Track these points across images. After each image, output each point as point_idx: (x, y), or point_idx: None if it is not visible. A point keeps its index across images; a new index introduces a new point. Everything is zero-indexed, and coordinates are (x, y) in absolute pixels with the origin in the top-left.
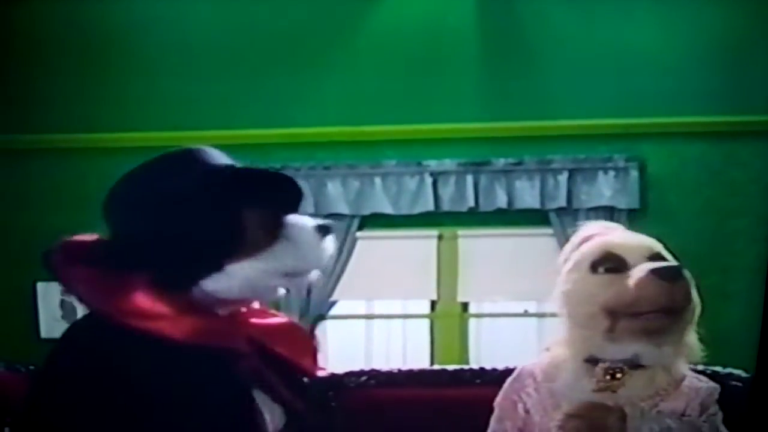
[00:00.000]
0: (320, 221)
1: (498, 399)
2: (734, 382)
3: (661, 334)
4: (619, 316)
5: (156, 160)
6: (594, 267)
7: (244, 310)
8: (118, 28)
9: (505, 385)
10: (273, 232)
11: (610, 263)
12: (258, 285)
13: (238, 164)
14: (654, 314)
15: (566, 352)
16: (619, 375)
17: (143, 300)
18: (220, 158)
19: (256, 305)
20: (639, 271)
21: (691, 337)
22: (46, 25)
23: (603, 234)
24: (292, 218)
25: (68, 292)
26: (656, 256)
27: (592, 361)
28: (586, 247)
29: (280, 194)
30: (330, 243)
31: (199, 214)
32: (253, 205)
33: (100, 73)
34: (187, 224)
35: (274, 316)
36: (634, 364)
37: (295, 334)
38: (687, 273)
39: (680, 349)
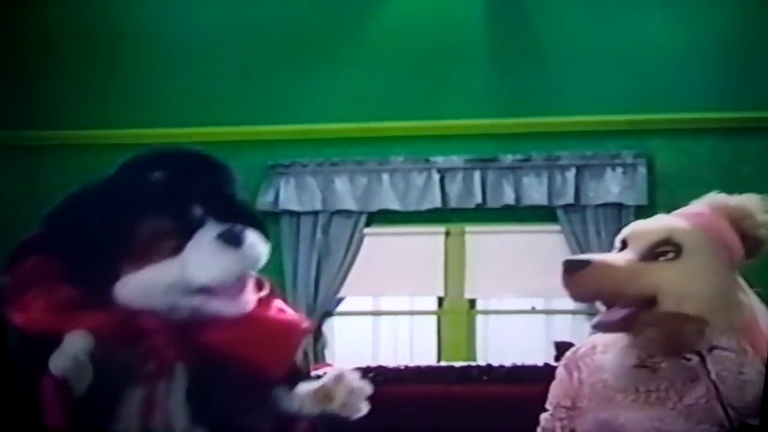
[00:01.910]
0: (227, 229)
1: (560, 363)
2: None
3: (639, 332)
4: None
5: (123, 163)
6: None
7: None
8: (127, 27)
9: (569, 351)
10: (177, 243)
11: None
12: (153, 297)
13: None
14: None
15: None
16: (659, 359)
17: (43, 293)
18: (169, 162)
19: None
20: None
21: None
22: (55, 24)
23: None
24: (204, 229)
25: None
26: (663, 242)
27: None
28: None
29: (188, 206)
30: (243, 252)
31: (107, 214)
32: (148, 214)
33: (109, 71)
34: (95, 223)
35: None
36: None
37: (261, 333)
38: (599, 263)
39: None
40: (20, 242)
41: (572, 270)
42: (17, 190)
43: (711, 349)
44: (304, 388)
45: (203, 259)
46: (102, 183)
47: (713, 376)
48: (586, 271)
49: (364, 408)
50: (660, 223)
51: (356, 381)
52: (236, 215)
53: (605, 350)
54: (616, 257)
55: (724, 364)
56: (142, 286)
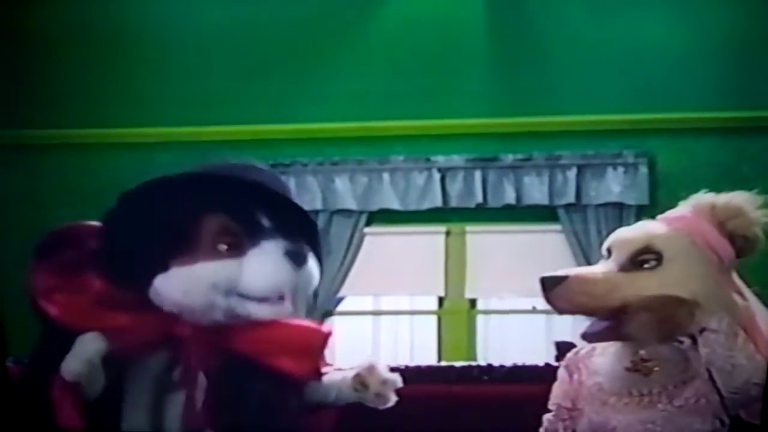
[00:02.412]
0: (296, 248)
1: (561, 364)
2: None
3: (632, 316)
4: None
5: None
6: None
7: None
8: (129, 26)
9: (570, 353)
10: (233, 244)
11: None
12: (195, 293)
13: (249, 179)
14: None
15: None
16: (651, 363)
17: (82, 289)
18: (243, 173)
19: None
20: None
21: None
22: (56, 23)
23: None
24: (270, 240)
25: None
26: (643, 251)
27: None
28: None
29: (257, 213)
30: (303, 273)
31: (158, 212)
32: (221, 213)
33: (110, 70)
34: (145, 220)
35: (267, 322)
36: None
37: (292, 338)
38: (575, 278)
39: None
40: (59, 232)
41: (549, 286)
42: (18, 189)
43: (701, 331)
44: (338, 375)
45: (265, 269)
46: (171, 178)
47: (703, 359)
48: (563, 286)
49: (394, 399)
50: (640, 231)
51: (387, 372)
52: (301, 233)
53: (603, 353)
54: (594, 270)
55: (712, 346)
56: (188, 279)
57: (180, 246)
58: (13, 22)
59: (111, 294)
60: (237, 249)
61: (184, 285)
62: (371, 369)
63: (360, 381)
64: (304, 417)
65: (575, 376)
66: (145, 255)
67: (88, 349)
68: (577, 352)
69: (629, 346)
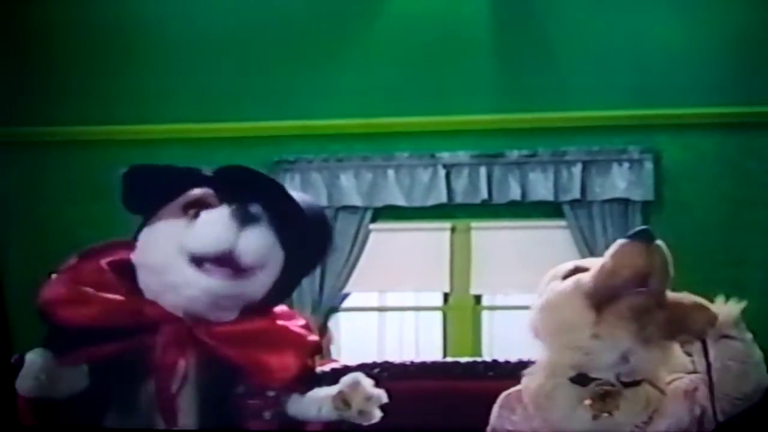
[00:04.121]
0: (242, 208)
1: (494, 426)
2: None
3: (645, 313)
4: (602, 303)
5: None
6: (565, 278)
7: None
8: (132, 22)
9: (494, 414)
10: (197, 211)
11: (580, 272)
12: (154, 247)
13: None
14: (635, 292)
15: (550, 373)
16: (611, 394)
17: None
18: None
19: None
20: (616, 248)
21: (675, 347)
22: (61, 20)
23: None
24: (222, 206)
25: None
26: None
27: (579, 380)
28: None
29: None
30: (246, 235)
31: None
32: (204, 185)
33: (113, 67)
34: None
35: (257, 324)
36: (625, 381)
37: (271, 338)
38: (663, 247)
39: (666, 353)
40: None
41: (646, 239)
42: (22, 186)
43: (721, 337)
44: (322, 392)
45: (207, 227)
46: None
47: (717, 364)
48: (658, 246)
49: (378, 415)
50: None
51: (372, 388)
52: (293, 219)
53: (547, 395)
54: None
55: (731, 352)
56: (152, 232)
57: (163, 207)
58: (16, 19)
59: (108, 277)
60: (195, 214)
61: (149, 238)
62: (355, 386)
63: (342, 399)
64: (287, 422)
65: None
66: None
67: (34, 366)
68: (502, 408)
69: (578, 390)
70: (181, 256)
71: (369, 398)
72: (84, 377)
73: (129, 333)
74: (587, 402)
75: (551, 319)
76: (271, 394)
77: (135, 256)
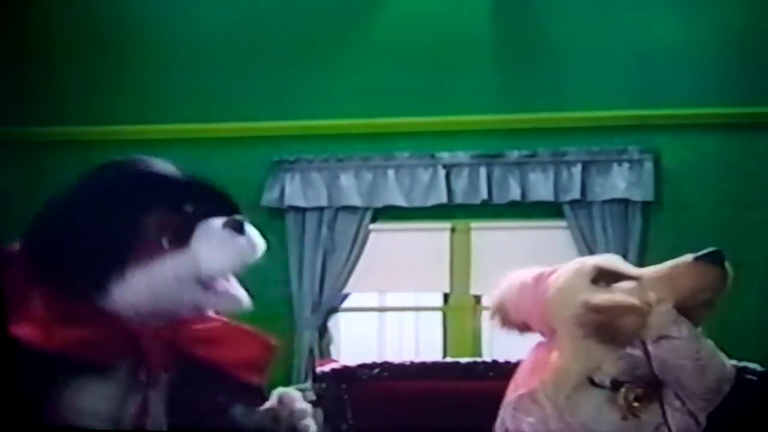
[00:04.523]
0: (231, 218)
1: (508, 428)
2: (749, 376)
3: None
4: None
5: (88, 174)
6: (595, 282)
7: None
8: (132, 22)
9: (508, 416)
10: (179, 238)
11: (608, 276)
12: (165, 292)
13: (171, 173)
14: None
15: (566, 373)
16: (639, 399)
17: (36, 307)
18: (154, 167)
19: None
20: (681, 265)
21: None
22: (61, 20)
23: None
24: (203, 222)
25: None
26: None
27: (592, 380)
28: (567, 273)
29: (189, 203)
30: (248, 239)
31: (96, 219)
32: (154, 210)
33: (114, 67)
34: (84, 230)
35: (220, 323)
36: (651, 383)
37: (237, 339)
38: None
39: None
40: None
41: (722, 262)
42: (22, 186)
43: (659, 338)
44: (267, 404)
45: (214, 247)
46: (78, 187)
47: (668, 364)
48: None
49: (313, 427)
50: None
51: (298, 402)
52: (225, 209)
53: (569, 395)
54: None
55: (679, 352)
56: (152, 279)
57: (125, 250)
58: (16, 19)
59: (64, 309)
60: (179, 240)
61: (150, 286)
62: (281, 400)
63: (272, 416)
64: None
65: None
66: (90, 264)
67: None
68: (517, 410)
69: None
70: (194, 286)
71: (293, 413)
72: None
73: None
74: (615, 404)
75: (592, 325)
76: (219, 400)
77: (121, 295)
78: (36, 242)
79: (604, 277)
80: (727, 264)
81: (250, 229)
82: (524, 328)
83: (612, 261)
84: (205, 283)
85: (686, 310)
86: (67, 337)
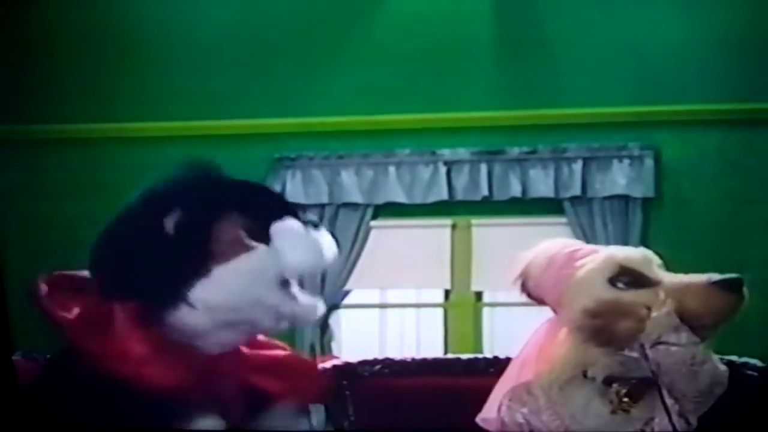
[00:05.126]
0: (306, 218)
1: (504, 419)
2: (750, 372)
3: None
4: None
5: (146, 191)
6: (612, 282)
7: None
8: (133, 21)
9: (503, 407)
10: (258, 235)
11: (628, 277)
12: (248, 291)
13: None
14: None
15: (564, 366)
16: (630, 395)
17: (128, 336)
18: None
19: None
20: (697, 285)
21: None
22: (61, 19)
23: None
24: (278, 222)
25: (56, 326)
26: (660, 267)
27: (585, 372)
28: (592, 265)
29: (260, 204)
30: (324, 236)
31: (174, 226)
32: (231, 211)
33: (115, 65)
34: (162, 237)
35: (275, 347)
36: (642, 381)
37: (293, 368)
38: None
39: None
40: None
41: (740, 289)
42: (24, 184)
43: (657, 343)
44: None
45: (297, 244)
46: (159, 193)
47: (662, 368)
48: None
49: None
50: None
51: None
52: (286, 210)
53: (559, 390)
54: None
55: (674, 357)
56: (235, 273)
57: (209, 251)
58: (17, 18)
59: (141, 334)
60: (259, 238)
61: (233, 281)
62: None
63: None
64: None
65: (527, 429)
66: (174, 266)
67: None
68: (513, 401)
69: (591, 384)
70: (274, 287)
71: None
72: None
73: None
74: (604, 398)
75: (599, 324)
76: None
77: (200, 296)
78: (108, 267)
79: (625, 276)
80: (744, 290)
81: (323, 230)
82: (539, 301)
83: (640, 259)
84: (285, 286)
85: (688, 325)
86: (175, 369)
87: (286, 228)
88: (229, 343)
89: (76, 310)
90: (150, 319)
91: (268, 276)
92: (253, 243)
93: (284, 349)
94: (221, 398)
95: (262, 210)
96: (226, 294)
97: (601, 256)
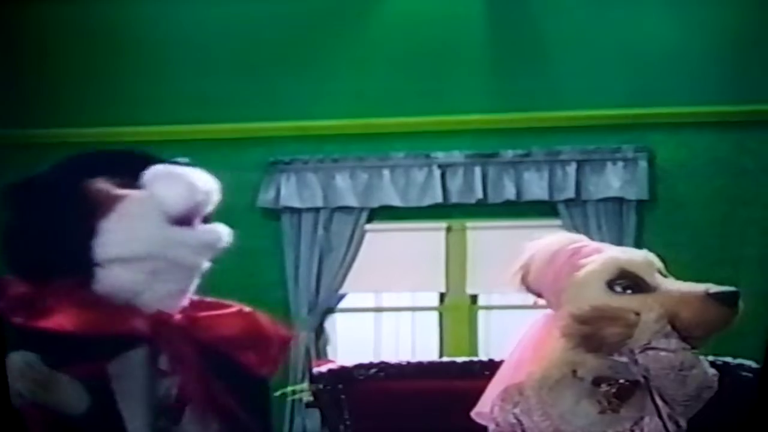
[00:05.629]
0: (174, 160)
1: (497, 419)
2: (745, 373)
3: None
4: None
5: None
6: (610, 285)
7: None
8: (127, 24)
9: (495, 408)
10: (128, 183)
11: (627, 281)
12: (145, 235)
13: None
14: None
15: (555, 365)
16: (619, 395)
17: (64, 316)
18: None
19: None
20: (692, 296)
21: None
22: (55, 23)
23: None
24: (146, 170)
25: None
26: (660, 271)
27: (575, 372)
28: (594, 266)
29: (127, 163)
30: (196, 173)
31: (53, 202)
32: (100, 175)
33: (109, 69)
34: (48, 217)
35: (223, 307)
36: (631, 381)
37: (246, 327)
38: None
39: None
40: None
41: (735, 302)
42: None
43: (646, 348)
44: None
45: (166, 181)
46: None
47: (651, 373)
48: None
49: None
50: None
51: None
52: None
53: (549, 390)
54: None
55: (663, 363)
56: (121, 226)
57: (91, 212)
58: (11, 21)
59: (77, 297)
60: (129, 184)
61: (122, 229)
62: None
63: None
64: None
65: (519, 429)
66: (69, 241)
67: (17, 368)
68: (505, 401)
69: (581, 384)
70: (162, 225)
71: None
72: (83, 394)
73: (115, 345)
74: (593, 398)
75: (591, 329)
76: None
77: (104, 254)
78: (13, 248)
79: (625, 280)
80: (740, 303)
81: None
82: (536, 294)
83: (642, 263)
84: (179, 222)
85: (680, 334)
86: (89, 319)
87: (154, 172)
88: (172, 295)
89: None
90: (78, 292)
91: (153, 216)
92: (125, 191)
93: (242, 309)
94: (175, 354)
95: (129, 167)
96: (123, 243)
97: (603, 257)
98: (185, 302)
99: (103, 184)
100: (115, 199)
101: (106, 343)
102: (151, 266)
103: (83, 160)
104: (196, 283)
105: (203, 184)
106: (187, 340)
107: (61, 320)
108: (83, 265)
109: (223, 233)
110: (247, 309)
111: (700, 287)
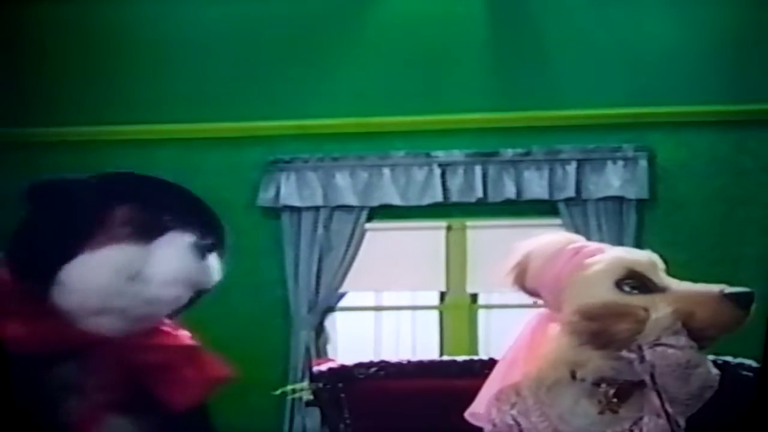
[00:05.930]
0: (201, 240)
1: (494, 420)
2: (744, 372)
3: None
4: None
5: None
6: (619, 285)
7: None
8: (127, 23)
9: (493, 409)
10: (143, 235)
11: (635, 281)
12: (100, 276)
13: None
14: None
15: (552, 366)
16: (618, 395)
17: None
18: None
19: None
20: (708, 296)
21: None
22: (54, 23)
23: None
24: (176, 232)
25: None
26: (664, 272)
27: (574, 374)
28: (601, 265)
29: (165, 205)
30: (203, 266)
31: (65, 207)
32: (123, 204)
33: (109, 68)
34: (51, 214)
35: (166, 337)
36: (631, 381)
37: (171, 360)
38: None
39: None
40: None
41: (749, 305)
42: (17, 188)
43: (655, 344)
44: None
45: (171, 257)
46: (75, 177)
47: (657, 370)
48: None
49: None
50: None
51: None
52: (206, 229)
53: (547, 390)
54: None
55: (669, 359)
56: (94, 263)
57: (87, 236)
58: (11, 21)
59: (16, 295)
60: (142, 236)
61: (90, 269)
62: None
63: None
64: None
65: (516, 430)
66: (52, 247)
67: None
68: (502, 402)
69: (579, 384)
70: (133, 281)
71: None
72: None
73: (58, 357)
74: (592, 398)
75: (598, 326)
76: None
77: (70, 279)
78: (14, 246)
79: (633, 280)
80: (753, 306)
81: (213, 259)
82: (532, 293)
83: (647, 263)
84: (138, 277)
85: (691, 333)
86: (28, 331)
87: (171, 239)
88: (115, 329)
89: None
90: (34, 294)
91: (127, 270)
92: (130, 239)
93: (183, 342)
94: (102, 380)
95: (166, 217)
96: (87, 278)
97: (608, 257)
98: (140, 328)
99: (118, 221)
100: (114, 243)
101: (41, 358)
102: (98, 303)
103: (120, 182)
104: (161, 316)
105: (199, 277)
106: (115, 365)
107: (15, 327)
108: (50, 274)
109: (179, 293)
110: (189, 342)
111: (714, 288)
